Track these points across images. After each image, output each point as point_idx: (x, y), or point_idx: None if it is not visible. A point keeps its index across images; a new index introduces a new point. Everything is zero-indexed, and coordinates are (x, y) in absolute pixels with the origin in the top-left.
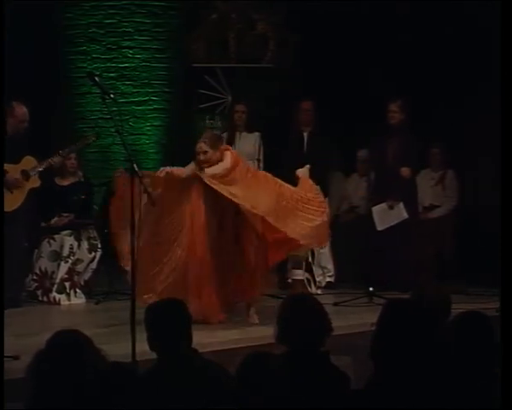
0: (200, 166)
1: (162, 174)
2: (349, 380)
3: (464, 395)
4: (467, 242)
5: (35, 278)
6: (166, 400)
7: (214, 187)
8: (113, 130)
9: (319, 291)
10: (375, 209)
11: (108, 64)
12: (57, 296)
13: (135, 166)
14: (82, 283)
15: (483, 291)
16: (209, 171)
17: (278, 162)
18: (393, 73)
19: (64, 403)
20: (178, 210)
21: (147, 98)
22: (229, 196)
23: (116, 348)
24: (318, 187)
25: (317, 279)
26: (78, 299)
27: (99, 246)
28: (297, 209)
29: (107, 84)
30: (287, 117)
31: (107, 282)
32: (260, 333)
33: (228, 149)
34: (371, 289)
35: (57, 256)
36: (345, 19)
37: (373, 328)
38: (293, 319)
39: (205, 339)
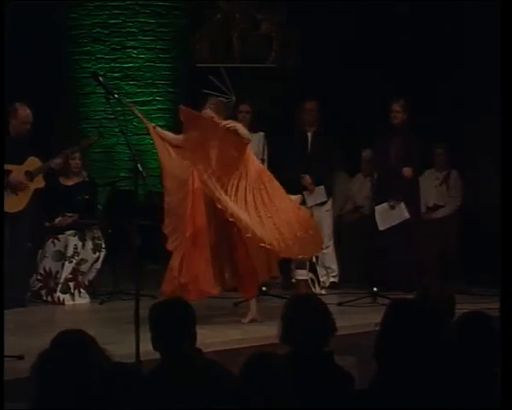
0: None
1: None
2: (353, 380)
3: (468, 396)
4: (471, 242)
5: (39, 278)
6: (170, 400)
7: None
8: (117, 130)
9: (323, 291)
10: (377, 209)
11: (113, 64)
12: (61, 296)
13: (139, 166)
14: (86, 283)
15: (487, 291)
16: (231, 124)
17: (282, 162)
18: (394, 73)
19: (68, 403)
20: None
21: (151, 98)
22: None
23: (120, 348)
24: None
25: (321, 279)
26: (83, 299)
27: (103, 246)
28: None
29: (112, 84)
30: (291, 117)
31: (112, 282)
32: (264, 333)
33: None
34: (375, 289)
35: (61, 256)
36: (345, 19)
37: (377, 328)
38: (297, 319)
39: (207, 339)
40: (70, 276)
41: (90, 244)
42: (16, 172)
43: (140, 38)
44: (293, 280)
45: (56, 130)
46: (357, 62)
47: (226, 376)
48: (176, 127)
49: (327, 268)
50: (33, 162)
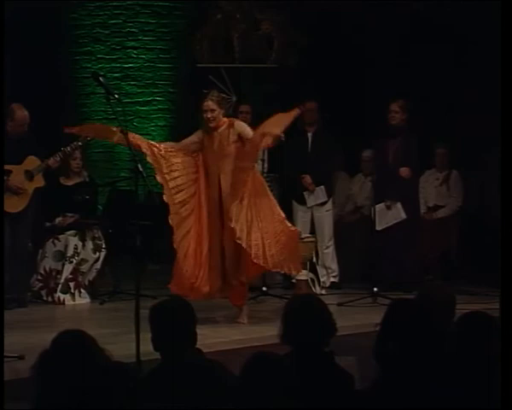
0: (208, 124)
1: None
2: (353, 380)
3: (468, 396)
4: (471, 242)
5: (40, 278)
6: (170, 400)
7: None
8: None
9: (323, 291)
10: (376, 209)
11: (113, 64)
12: (62, 296)
13: (139, 166)
14: (86, 283)
15: (488, 291)
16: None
17: (283, 162)
18: (394, 74)
19: (68, 403)
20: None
21: (151, 98)
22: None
23: (120, 348)
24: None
25: (322, 279)
26: (83, 299)
27: (103, 246)
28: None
29: (112, 84)
30: None
31: (112, 282)
32: (264, 333)
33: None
34: (375, 289)
35: (62, 256)
36: (345, 19)
37: (377, 328)
38: (297, 319)
39: (208, 339)
40: (70, 276)
41: (90, 244)
42: (16, 172)
43: (140, 38)
44: (294, 280)
45: (57, 130)
46: (357, 62)
47: (226, 376)
48: (176, 127)
49: (327, 268)
50: (32, 161)
